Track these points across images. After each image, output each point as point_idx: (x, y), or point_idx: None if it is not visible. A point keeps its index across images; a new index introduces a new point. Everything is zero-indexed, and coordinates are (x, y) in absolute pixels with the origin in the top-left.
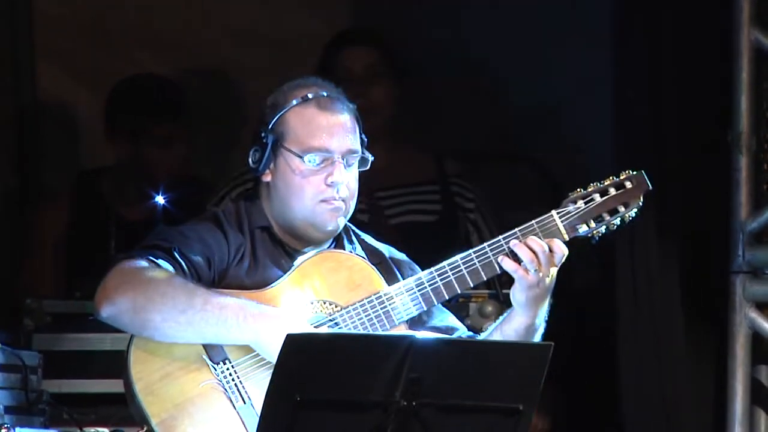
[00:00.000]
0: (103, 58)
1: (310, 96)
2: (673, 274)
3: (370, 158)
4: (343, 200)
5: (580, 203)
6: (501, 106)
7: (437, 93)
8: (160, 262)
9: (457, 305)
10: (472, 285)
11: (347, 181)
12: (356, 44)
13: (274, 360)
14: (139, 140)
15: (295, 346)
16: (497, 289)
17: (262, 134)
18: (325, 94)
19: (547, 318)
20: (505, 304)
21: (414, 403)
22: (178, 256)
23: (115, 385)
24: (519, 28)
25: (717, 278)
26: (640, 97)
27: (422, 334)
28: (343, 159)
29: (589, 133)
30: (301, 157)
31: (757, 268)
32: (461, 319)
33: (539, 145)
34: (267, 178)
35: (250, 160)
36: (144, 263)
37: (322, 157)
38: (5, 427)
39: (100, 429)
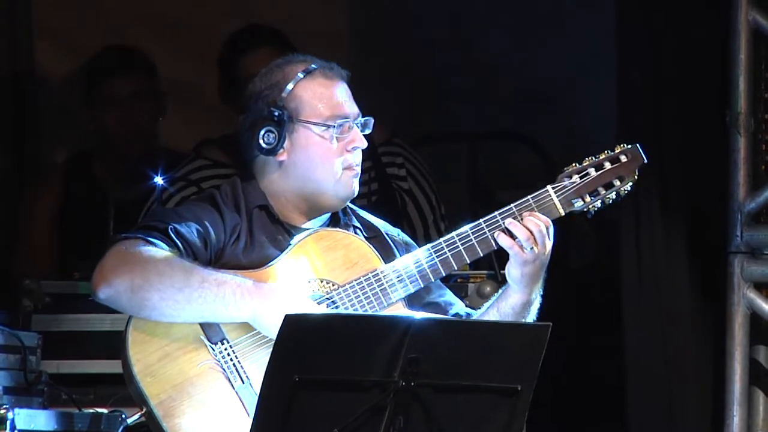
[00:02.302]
0: (101, 35)
1: (313, 66)
2: (679, 254)
3: (372, 120)
4: (358, 165)
5: (576, 178)
6: (500, 86)
7: (435, 72)
8: (157, 242)
9: (455, 285)
10: (468, 261)
11: (364, 145)
12: (256, 46)
13: (272, 336)
14: (96, 104)
15: (294, 327)
16: (495, 269)
17: (275, 113)
18: (318, 65)
19: (542, 294)
20: (503, 284)
21: (412, 384)
22: (174, 237)
23: (113, 366)
24: (520, 6)
25: (717, 258)
26: (642, 76)
27: (421, 315)
28: (357, 123)
29: (591, 115)
30: (326, 126)
31: (755, 249)
32: (459, 299)
33: (540, 124)
34: (282, 157)
35: (262, 142)
36: (140, 244)
37: (343, 123)
38: (4, 408)
39: (98, 409)
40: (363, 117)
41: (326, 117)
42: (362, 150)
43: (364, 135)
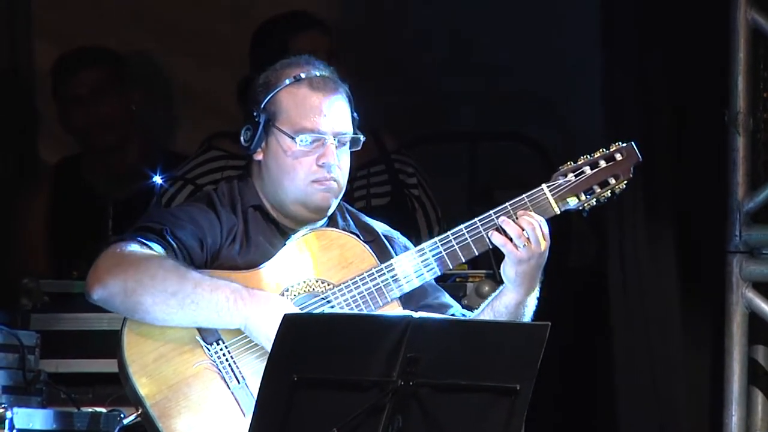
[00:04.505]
0: (101, 36)
1: (302, 76)
2: (666, 254)
3: (362, 138)
4: (335, 180)
5: (571, 176)
6: (499, 86)
7: (434, 73)
8: (152, 244)
9: (453, 285)
10: (464, 260)
11: (339, 162)
12: (305, 29)
13: (263, 344)
14: (63, 105)
15: (292, 327)
16: (494, 268)
17: (254, 113)
18: (317, 74)
19: (539, 296)
20: (501, 283)
21: (411, 383)
22: (169, 238)
23: (111, 365)
24: (508, 7)
25: (710, 258)
26: (629, 76)
27: (420, 314)
28: (335, 139)
29: (589, 115)
30: (292, 138)
31: (754, 248)
32: (458, 299)
33: (538, 124)
34: (259, 157)
35: (242, 138)
36: (135, 246)
37: (314, 138)
38: (3, 407)
39: (97, 408)
40: (354, 134)
41: (296, 129)
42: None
43: (352, 151)
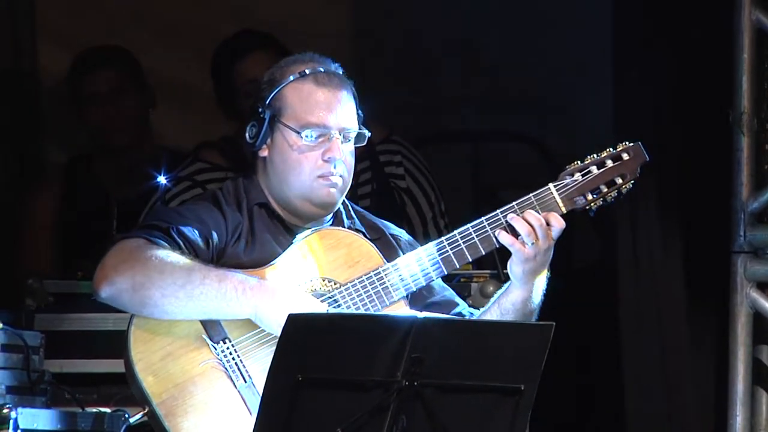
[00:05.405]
0: (103, 37)
1: (307, 71)
2: (676, 254)
3: (367, 134)
4: (340, 176)
5: (578, 176)
6: (501, 86)
7: (437, 73)
8: (158, 241)
9: (458, 285)
10: (470, 259)
11: (344, 157)
12: (247, 52)
13: (274, 332)
14: (81, 103)
15: (297, 326)
16: (498, 268)
17: (260, 109)
18: (322, 69)
19: (545, 291)
20: (506, 283)
21: (415, 383)
22: (175, 236)
23: (116, 365)
24: (510, 7)
25: (714, 258)
26: (633, 76)
27: (424, 314)
28: (340, 134)
29: (593, 115)
30: (298, 133)
31: (758, 248)
32: (462, 299)
33: (542, 124)
34: (264, 153)
35: (246, 135)
36: (141, 242)
37: (319, 133)
38: (7, 407)
39: (102, 409)
40: (359, 130)
41: (302, 124)
42: (363, 150)
43: (356, 147)
